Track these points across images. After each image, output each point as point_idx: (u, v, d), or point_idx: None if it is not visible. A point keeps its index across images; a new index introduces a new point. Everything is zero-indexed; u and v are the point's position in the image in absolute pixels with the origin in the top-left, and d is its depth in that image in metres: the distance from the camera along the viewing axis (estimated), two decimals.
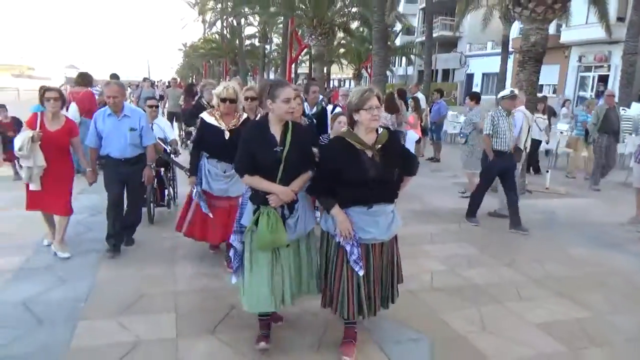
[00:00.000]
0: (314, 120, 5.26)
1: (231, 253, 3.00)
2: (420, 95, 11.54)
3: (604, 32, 20.38)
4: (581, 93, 27.24)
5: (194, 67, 66.22)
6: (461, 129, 8.06)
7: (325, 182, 2.85)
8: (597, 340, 3.36)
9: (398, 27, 32.98)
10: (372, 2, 13.68)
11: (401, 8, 36.05)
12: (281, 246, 2.87)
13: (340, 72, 40.77)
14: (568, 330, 3.47)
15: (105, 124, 4.46)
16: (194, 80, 45.34)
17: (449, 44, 38.21)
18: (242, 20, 37.22)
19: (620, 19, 23.00)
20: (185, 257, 4.64)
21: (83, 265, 4.37)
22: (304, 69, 40.08)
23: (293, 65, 25.59)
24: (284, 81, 3.00)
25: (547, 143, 10.34)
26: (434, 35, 31.52)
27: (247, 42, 42.33)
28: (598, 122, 8.74)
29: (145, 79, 18.49)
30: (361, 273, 2.82)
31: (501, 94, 6.24)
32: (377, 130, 2.88)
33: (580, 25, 23.85)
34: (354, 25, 23.89)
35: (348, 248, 2.81)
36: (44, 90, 4.37)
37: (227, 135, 4.02)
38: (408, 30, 39.50)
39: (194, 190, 4.22)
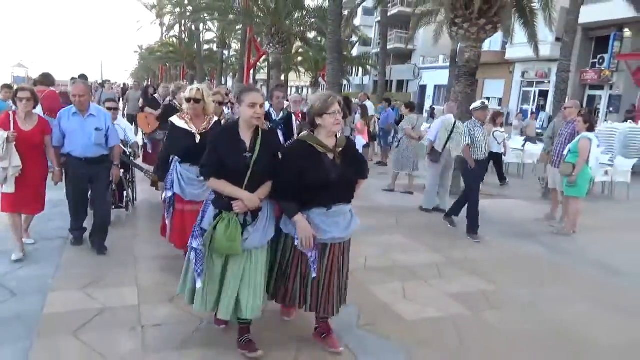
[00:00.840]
0: (281, 126, 5.41)
1: (192, 256, 2.97)
2: (368, 104, 12.29)
3: (545, 51, 22.08)
4: (524, 106, 29.09)
5: (149, 69, 65.20)
6: (396, 134, 9.03)
7: (288, 187, 2.88)
8: (496, 305, 4.08)
9: (356, 37, 34.12)
10: (328, 14, 14.40)
11: (358, 20, 37.17)
12: (235, 254, 2.88)
13: (298, 80, 41.48)
14: (474, 299, 4.17)
15: (70, 123, 4.47)
16: (149, 82, 44.67)
17: (404, 56, 39.72)
18: (201, 26, 37.29)
19: (559, 39, 24.92)
20: (145, 253, 5.05)
21: (48, 248, 4.71)
22: (262, 75, 40.54)
23: (252, 72, 26.06)
24: (254, 87, 3.07)
25: (504, 155, 10.19)
26: (389, 47, 32.79)
27: (206, 46, 42.35)
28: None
29: (105, 81, 18.30)
30: (314, 275, 2.94)
31: (473, 105, 6.48)
32: (335, 135, 2.97)
33: (523, 44, 25.55)
34: (312, 34, 24.56)
35: (306, 252, 2.91)
36: (16, 90, 4.40)
37: (197, 138, 3.96)
38: (365, 42, 40.79)
39: (164, 195, 4.18)
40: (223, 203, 2.87)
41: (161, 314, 3.53)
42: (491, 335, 3.58)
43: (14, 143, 4.18)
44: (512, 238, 6.19)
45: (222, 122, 4.50)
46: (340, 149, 2.96)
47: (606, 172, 9.72)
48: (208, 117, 4.12)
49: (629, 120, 15.90)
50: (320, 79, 32.72)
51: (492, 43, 29.63)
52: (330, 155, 2.91)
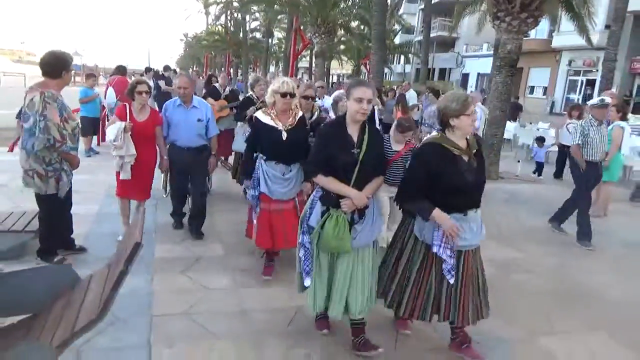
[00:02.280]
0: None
1: (301, 254, 2.94)
2: (411, 93, 12.82)
3: (593, 39, 21.76)
4: (570, 96, 28.63)
5: (195, 57, 67.06)
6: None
7: (419, 188, 2.80)
8: (525, 269, 4.72)
9: (399, 25, 34.27)
10: (373, 5, 14.95)
11: (402, 7, 37.22)
12: (344, 252, 2.84)
13: (340, 68, 41.99)
14: (506, 263, 4.82)
15: (175, 114, 4.71)
16: (205, 71, 45.92)
17: (447, 44, 39.43)
18: (247, 16, 38.32)
19: (608, 27, 24.37)
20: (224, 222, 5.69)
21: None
22: (304, 63, 41.30)
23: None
24: (364, 81, 3.00)
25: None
26: (432, 35, 32.77)
27: (250, 35, 43.42)
28: None
29: (168, 69, 16.00)
30: (452, 281, 2.82)
31: (590, 102, 6.05)
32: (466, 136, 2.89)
33: (570, 32, 25.14)
34: (355, 24, 25.04)
35: (446, 258, 2.79)
36: (135, 82, 4.63)
37: (284, 136, 3.77)
38: (408, 30, 40.76)
39: (249, 194, 4.02)
40: (331, 200, 2.82)
41: (243, 262, 4.37)
42: (516, 291, 4.23)
43: (130, 133, 4.44)
44: (540, 216, 6.68)
45: (314, 116, 4.58)
46: (475, 150, 2.86)
47: None
48: (293, 113, 3.91)
49: None
50: (362, 67, 33.13)
51: (538, 31, 29.16)
52: (465, 158, 2.81)
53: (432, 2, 30.18)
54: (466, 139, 2.86)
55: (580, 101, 26.65)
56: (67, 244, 4.17)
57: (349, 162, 2.77)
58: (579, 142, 5.70)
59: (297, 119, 3.88)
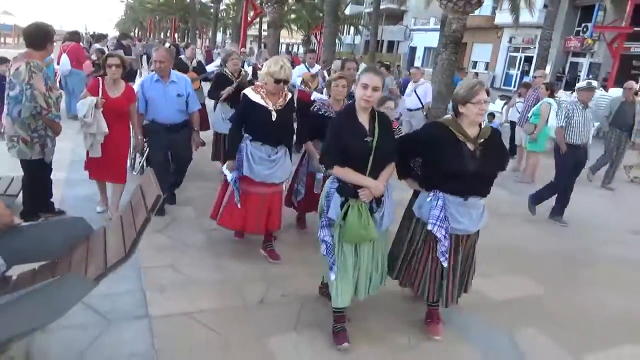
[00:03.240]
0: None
1: (323, 249, 2.91)
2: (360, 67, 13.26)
3: (532, 17, 23.07)
4: (509, 71, 30.23)
5: (136, 21, 64.17)
6: None
7: (408, 155, 3.02)
8: None
9: None
10: None
11: None
12: (371, 240, 2.88)
13: (290, 37, 41.79)
14: None
15: (152, 90, 4.53)
16: (138, 34, 44.25)
17: (396, 17, 40.12)
18: None
19: (546, 7, 25.78)
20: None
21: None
22: (253, 31, 40.74)
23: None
24: (374, 68, 2.97)
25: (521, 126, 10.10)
26: (382, 7, 33.31)
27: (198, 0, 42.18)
28: (610, 116, 7.99)
29: (100, 34, 15.38)
30: (445, 265, 2.91)
31: (578, 85, 6.05)
32: (479, 124, 2.89)
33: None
34: None
35: (440, 237, 2.85)
36: (105, 56, 4.45)
37: (274, 116, 3.67)
38: (358, 1, 41.04)
39: (230, 175, 3.86)
40: (349, 191, 2.81)
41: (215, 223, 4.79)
42: None
43: (102, 109, 4.22)
44: (495, 188, 7.35)
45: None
46: (483, 139, 2.86)
47: None
48: (284, 93, 3.80)
49: (602, 88, 17.25)
50: (312, 37, 33.27)
51: (483, 8, 30.40)
52: (471, 146, 2.82)
53: None
54: (480, 127, 2.88)
55: (518, 77, 28.28)
56: (47, 207, 4.40)
57: (364, 151, 2.77)
58: (563, 124, 5.67)
59: (287, 100, 3.81)
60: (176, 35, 46.04)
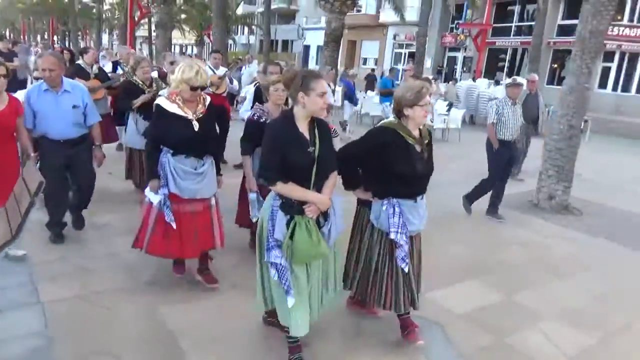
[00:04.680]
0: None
1: (273, 274, 2.64)
2: (253, 67, 13.41)
3: (412, 16, 25.00)
4: (396, 66, 32.32)
5: (7, 22, 58.69)
6: None
7: (355, 164, 2.97)
8: None
9: None
10: None
11: None
12: (322, 258, 2.72)
13: (183, 38, 40.83)
14: None
15: (41, 101, 3.93)
16: (10, 37, 40.41)
17: (288, 16, 40.95)
18: None
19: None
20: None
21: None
22: (142, 32, 39.27)
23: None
24: (318, 73, 2.75)
25: (431, 121, 10.61)
26: (273, 6, 33.89)
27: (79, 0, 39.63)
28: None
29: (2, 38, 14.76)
30: (407, 270, 2.89)
31: (506, 82, 6.17)
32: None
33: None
34: None
35: (402, 243, 2.83)
36: None
37: (196, 126, 3.31)
38: (250, 1, 41.22)
39: (155, 197, 3.42)
40: (294, 207, 2.61)
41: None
42: None
43: None
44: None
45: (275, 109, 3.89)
46: (427, 140, 2.94)
47: (444, 120, 12.39)
48: (202, 97, 3.45)
49: (471, 79, 19.34)
50: (205, 38, 32.91)
51: (368, 7, 32.26)
52: (418, 148, 2.87)
53: None
54: (419, 129, 2.91)
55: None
56: None
57: (308, 163, 2.58)
58: (494, 120, 5.73)
59: (206, 105, 3.45)
60: (55, 37, 42.83)
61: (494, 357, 3.14)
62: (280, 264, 2.63)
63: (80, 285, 3.57)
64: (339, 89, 11.48)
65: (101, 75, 6.66)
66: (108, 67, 8.12)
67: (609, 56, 20.71)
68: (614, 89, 21.33)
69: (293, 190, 2.59)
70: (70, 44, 37.60)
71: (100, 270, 3.84)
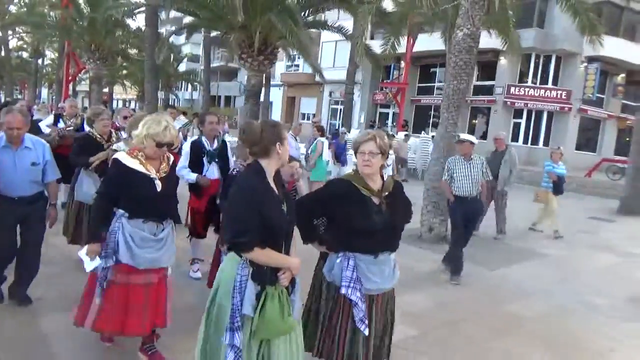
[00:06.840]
0: (216, 160, 4.83)
1: (231, 357, 2.26)
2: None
3: (343, 75, 26.70)
4: (332, 121, 33.97)
5: None
6: None
7: (311, 216, 2.77)
8: None
9: (185, 52, 35.57)
10: (145, 38, 16.11)
11: (183, 38, 38.71)
12: (290, 332, 2.38)
13: (124, 93, 41.13)
14: None
15: None
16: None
17: (231, 73, 42.41)
18: (9, 32, 34.82)
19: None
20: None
21: None
22: (84, 86, 39.28)
23: (71, 84, 25.91)
24: (280, 123, 2.58)
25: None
26: (215, 65, 35.05)
27: (16, 53, 39.39)
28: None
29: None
30: (366, 333, 2.64)
31: (457, 138, 6.22)
32: (382, 177, 2.78)
33: (329, 68, 30.13)
34: (134, 51, 25.55)
35: (356, 299, 2.61)
36: None
37: (158, 186, 3.03)
38: (193, 59, 42.46)
39: (91, 264, 3.07)
40: (266, 276, 2.30)
41: None
42: None
43: None
44: None
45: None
46: (387, 192, 2.75)
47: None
48: (165, 156, 3.18)
49: (404, 132, 20.63)
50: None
51: (306, 66, 34.08)
52: (376, 200, 2.69)
53: (212, 35, 32.59)
54: (382, 180, 2.77)
55: (339, 126, 31.98)
56: None
57: (285, 223, 2.36)
58: (446, 177, 5.83)
59: (170, 164, 3.20)
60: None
61: None
62: (239, 347, 2.27)
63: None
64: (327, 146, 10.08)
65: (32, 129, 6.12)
66: (48, 120, 8.02)
67: (518, 113, 23.05)
68: (525, 142, 23.49)
69: (270, 256, 2.30)
70: (7, 97, 36.93)
71: None
